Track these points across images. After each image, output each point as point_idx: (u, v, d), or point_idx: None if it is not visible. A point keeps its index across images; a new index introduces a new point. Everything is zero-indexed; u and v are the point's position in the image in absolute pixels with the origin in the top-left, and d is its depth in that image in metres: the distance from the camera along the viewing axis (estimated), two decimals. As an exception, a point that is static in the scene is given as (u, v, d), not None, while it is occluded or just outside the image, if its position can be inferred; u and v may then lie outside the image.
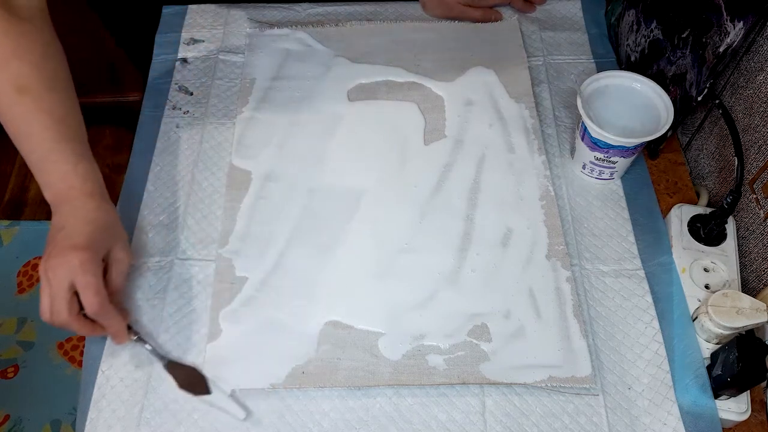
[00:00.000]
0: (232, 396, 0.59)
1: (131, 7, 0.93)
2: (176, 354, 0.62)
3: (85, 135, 0.63)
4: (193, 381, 0.59)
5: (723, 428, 0.59)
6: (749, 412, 0.58)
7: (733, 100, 0.68)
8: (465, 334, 0.62)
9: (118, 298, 0.61)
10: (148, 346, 0.60)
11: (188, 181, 0.72)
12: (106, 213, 0.60)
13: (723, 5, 0.62)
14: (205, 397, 0.58)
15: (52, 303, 0.56)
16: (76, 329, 0.57)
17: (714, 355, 0.60)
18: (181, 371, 0.60)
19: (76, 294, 0.56)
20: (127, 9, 0.94)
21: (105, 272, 0.59)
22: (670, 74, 0.72)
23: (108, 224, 0.60)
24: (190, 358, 0.61)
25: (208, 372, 0.60)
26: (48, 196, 0.60)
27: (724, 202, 0.63)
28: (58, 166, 0.59)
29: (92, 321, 0.58)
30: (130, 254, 0.62)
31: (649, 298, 0.64)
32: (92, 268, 0.56)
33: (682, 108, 0.69)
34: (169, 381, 0.60)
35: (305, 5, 0.88)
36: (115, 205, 0.71)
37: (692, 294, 0.64)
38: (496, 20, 0.86)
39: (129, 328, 0.60)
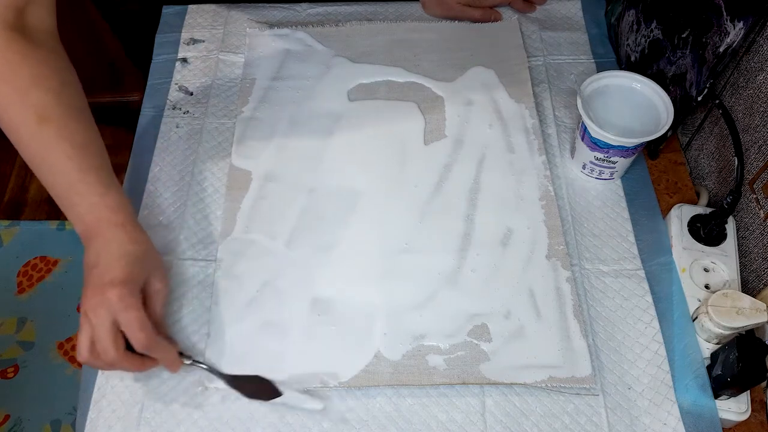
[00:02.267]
0: (305, 392, 0.58)
1: (133, 7, 0.93)
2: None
3: (109, 162, 0.60)
4: (260, 388, 0.58)
5: (723, 428, 0.59)
6: (749, 412, 0.58)
7: (733, 100, 0.68)
8: (465, 334, 0.62)
9: (162, 328, 0.59)
10: (204, 366, 0.59)
11: (188, 181, 0.72)
12: (139, 244, 0.58)
13: (723, 5, 0.62)
14: (278, 399, 0.58)
15: (95, 344, 0.53)
16: (127, 367, 0.55)
17: (714, 355, 0.60)
18: (245, 382, 0.58)
19: (120, 331, 0.54)
20: (129, 8, 0.94)
21: (144, 304, 0.56)
22: (670, 74, 0.72)
23: (143, 255, 0.57)
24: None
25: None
26: (78, 229, 0.58)
27: (724, 202, 0.63)
28: (85, 197, 0.57)
29: (141, 355, 0.56)
30: (167, 283, 0.60)
31: (649, 298, 0.64)
32: (133, 302, 0.54)
33: (682, 108, 0.69)
34: (169, 381, 0.60)
35: (305, 5, 0.88)
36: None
37: (692, 294, 0.64)
38: (495, 20, 0.86)
39: (180, 353, 0.58)
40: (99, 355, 0.54)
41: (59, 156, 0.57)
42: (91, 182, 0.57)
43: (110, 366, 0.55)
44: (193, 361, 0.59)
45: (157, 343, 0.55)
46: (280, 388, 0.58)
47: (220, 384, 0.59)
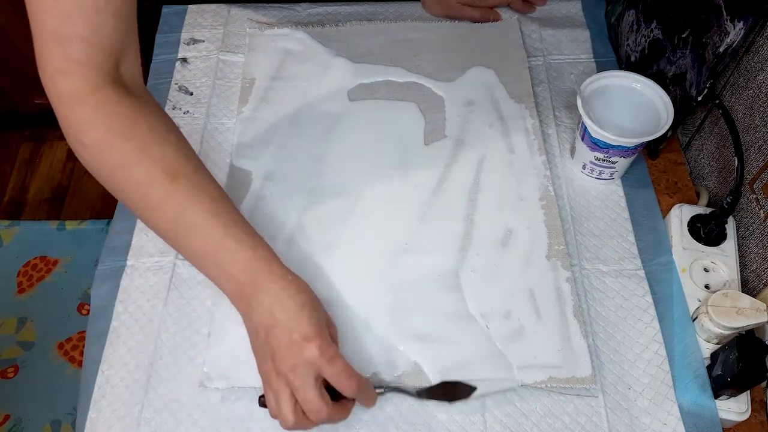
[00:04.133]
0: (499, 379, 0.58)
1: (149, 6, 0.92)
2: (176, 354, 0.62)
3: (240, 212, 0.56)
4: (454, 391, 0.57)
5: (723, 428, 0.59)
6: (749, 412, 0.58)
7: (733, 100, 0.68)
8: (465, 334, 0.61)
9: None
10: (393, 388, 0.57)
11: (188, 181, 0.72)
12: (307, 291, 0.53)
13: (723, 5, 0.62)
14: (478, 392, 0.57)
15: (302, 405, 0.50)
16: (336, 419, 0.52)
17: (714, 355, 0.60)
18: (436, 391, 0.57)
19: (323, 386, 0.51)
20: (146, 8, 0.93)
21: None
22: (670, 74, 0.72)
23: (315, 302, 0.53)
24: (190, 358, 0.61)
25: (209, 371, 0.60)
26: (230, 289, 0.53)
27: (724, 202, 0.63)
28: (237, 254, 0.52)
29: (342, 401, 0.53)
30: (335, 326, 0.56)
31: (649, 298, 0.64)
32: (333, 351, 0.50)
33: (682, 108, 0.69)
34: (169, 381, 0.60)
35: (305, 5, 0.88)
36: (116, 204, 0.71)
37: (692, 294, 0.64)
38: (494, 20, 0.86)
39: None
40: (308, 416, 0.50)
41: (199, 213, 0.52)
42: (240, 236, 0.53)
43: (321, 423, 0.51)
44: (384, 389, 0.57)
45: (365, 384, 0.52)
46: (472, 383, 0.57)
47: (221, 384, 0.59)
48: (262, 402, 0.54)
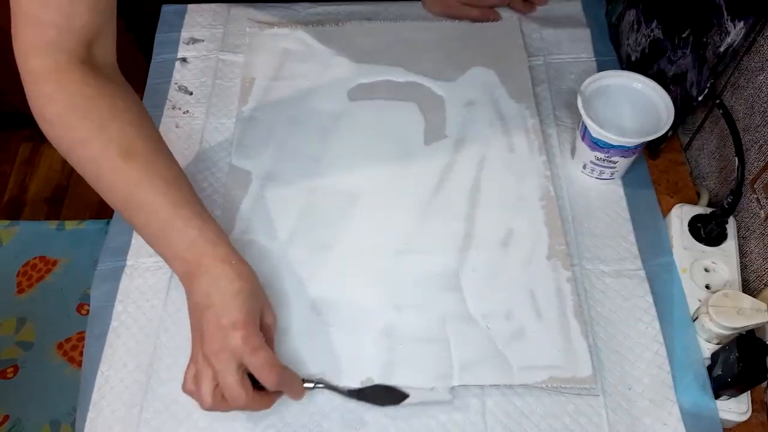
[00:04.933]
0: (432, 390, 0.58)
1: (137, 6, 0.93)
2: (175, 354, 0.61)
3: (197, 195, 0.58)
4: (386, 395, 0.58)
5: (723, 428, 0.58)
6: (750, 413, 0.58)
7: (733, 99, 0.68)
8: (465, 334, 0.61)
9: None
10: (320, 386, 0.58)
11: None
12: (248, 279, 0.54)
13: (723, 5, 0.62)
14: (409, 400, 0.57)
15: (223, 389, 0.51)
16: (255, 408, 0.53)
17: (714, 356, 0.60)
18: (369, 393, 0.58)
19: (246, 373, 0.52)
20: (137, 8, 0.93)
21: None
22: (671, 74, 0.71)
23: (254, 290, 0.55)
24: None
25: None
26: (177, 268, 0.55)
27: (725, 202, 0.63)
28: (183, 234, 0.54)
29: (266, 391, 0.54)
30: (275, 315, 0.58)
31: (649, 299, 0.64)
32: (259, 342, 0.51)
33: (683, 108, 0.69)
34: (169, 382, 0.60)
35: (305, 5, 0.88)
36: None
37: (693, 294, 0.63)
38: (494, 20, 0.86)
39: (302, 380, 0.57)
40: (227, 401, 0.51)
41: (150, 192, 0.53)
42: (188, 216, 0.54)
43: (238, 409, 0.52)
44: (315, 384, 0.58)
45: (287, 377, 0.53)
46: (405, 390, 0.58)
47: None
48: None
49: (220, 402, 0.52)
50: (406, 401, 0.58)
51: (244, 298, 0.53)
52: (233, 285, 0.53)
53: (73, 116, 0.53)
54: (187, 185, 0.57)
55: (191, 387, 0.52)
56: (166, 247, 0.55)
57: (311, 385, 0.57)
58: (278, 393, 0.55)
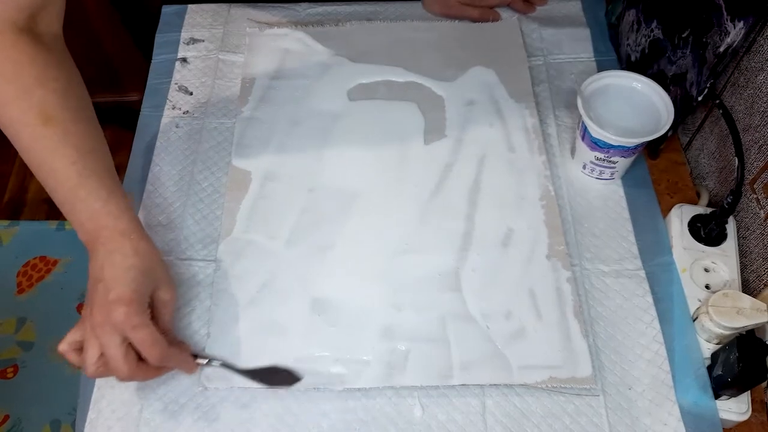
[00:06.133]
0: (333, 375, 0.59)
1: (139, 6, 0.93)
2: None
3: (113, 168, 0.58)
4: (279, 376, 0.59)
5: (723, 428, 0.58)
6: (750, 413, 0.58)
7: (733, 99, 0.68)
8: (465, 334, 0.61)
9: (171, 335, 0.58)
10: (216, 363, 0.59)
11: (188, 181, 0.72)
12: (144, 255, 0.55)
13: (723, 5, 0.62)
14: (303, 382, 0.58)
15: (107, 361, 0.52)
16: (141, 378, 0.55)
17: (714, 356, 0.60)
18: (262, 374, 0.59)
19: (130, 345, 0.53)
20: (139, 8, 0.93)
21: (152, 315, 0.55)
22: (671, 74, 0.71)
23: (148, 267, 0.55)
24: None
25: (209, 371, 0.59)
26: (80, 236, 0.56)
27: (725, 202, 0.63)
28: (87, 204, 0.55)
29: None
30: (174, 292, 0.58)
31: (649, 299, 0.64)
32: (140, 321, 0.52)
33: (683, 108, 0.69)
34: (169, 381, 0.60)
35: (305, 5, 0.88)
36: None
37: (693, 294, 0.63)
38: (494, 20, 0.86)
39: (194, 356, 0.58)
40: (111, 371, 0.53)
41: (61, 159, 0.55)
42: (93, 187, 0.55)
43: (124, 380, 0.54)
44: (208, 360, 0.59)
45: (171, 354, 0.55)
46: (299, 373, 0.59)
47: (221, 384, 0.59)
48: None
49: (103, 372, 0.53)
50: (297, 384, 0.58)
51: (134, 275, 0.54)
52: (126, 261, 0.54)
53: None
54: (102, 158, 0.58)
55: (64, 348, 0.55)
56: (71, 214, 0.56)
57: (204, 361, 0.58)
58: (168, 368, 0.57)
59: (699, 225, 0.67)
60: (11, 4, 0.53)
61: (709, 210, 0.68)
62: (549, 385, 0.59)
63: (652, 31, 0.75)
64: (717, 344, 0.61)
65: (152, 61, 0.83)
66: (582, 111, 0.66)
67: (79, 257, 1.48)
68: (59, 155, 0.55)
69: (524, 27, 0.86)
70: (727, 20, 0.62)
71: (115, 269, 0.54)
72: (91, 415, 0.59)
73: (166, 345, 0.54)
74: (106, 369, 0.53)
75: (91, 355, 0.53)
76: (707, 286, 0.64)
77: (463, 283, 0.64)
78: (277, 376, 0.59)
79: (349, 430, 0.58)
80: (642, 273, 0.66)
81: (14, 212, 1.58)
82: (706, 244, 0.66)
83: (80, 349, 0.55)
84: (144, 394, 0.59)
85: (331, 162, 0.73)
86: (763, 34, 0.62)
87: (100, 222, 0.55)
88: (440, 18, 0.87)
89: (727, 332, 0.59)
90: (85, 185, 0.55)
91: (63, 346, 0.55)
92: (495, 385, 0.59)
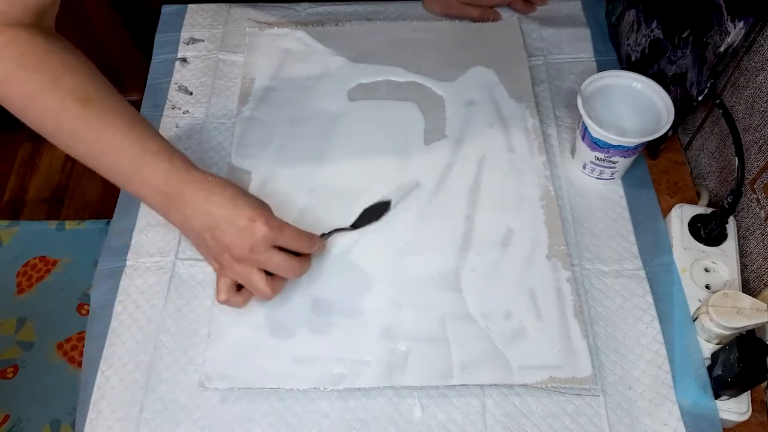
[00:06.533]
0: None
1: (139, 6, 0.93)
2: (175, 354, 0.62)
3: (156, 129, 0.60)
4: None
5: (723, 428, 0.58)
6: (750, 413, 0.58)
7: (733, 99, 0.68)
8: (465, 334, 0.61)
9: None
10: (334, 232, 0.66)
11: (188, 181, 0.72)
12: (230, 183, 0.57)
13: (723, 5, 0.62)
14: (302, 382, 0.59)
15: (275, 272, 0.57)
16: (306, 270, 0.60)
17: (714, 356, 0.60)
18: (364, 218, 0.67)
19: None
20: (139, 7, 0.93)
21: None
22: (671, 74, 0.71)
23: (242, 189, 0.58)
24: (190, 358, 0.61)
25: (209, 371, 0.59)
26: (158, 204, 0.57)
27: (725, 202, 0.63)
28: (155, 168, 0.55)
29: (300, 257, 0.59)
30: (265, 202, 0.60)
31: (649, 299, 0.64)
32: (278, 222, 0.56)
33: (683, 108, 0.69)
34: (169, 381, 0.60)
35: (305, 5, 0.88)
36: (115, 204, 0.71)
37: (693, 294, 0.63)
38: (494, 20, 0.86)
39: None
40: (285, 274, 0.57)
41: (115, 133, 0.55)
42: (156, 151, 0.56)
43: (293, 277, 0.59)
44: (327, 234, 0.65)
45: (315, 238, 0.61)
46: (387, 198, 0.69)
47: (221, 384, 0.59)
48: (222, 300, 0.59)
49: (274, 286, 0.57)
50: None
51: (242, 197, 0.56)
52: (225, 194, 0.55)
53: (25, 72, 0.54)
54: (145, 122, 0.58)
55: (224, 297, 0.57)
56: (141, 185, 0.56)
57: (326, 235, 0.65)
58: (307, 258, 0.61)
59: (699, 225, 0.67)
60: (19, 6, 0.54)
61: (709, 210, 0.68)
62: (549, 385, 0.59)
63: (652, 31, 0.75)
64: (717, 344, 0.61)
65: (152, 60, 0.84)
66: (582, 111, 0.66)
67: (79, 257, 1.48)
68: (110, 130, 0.55)
69: (524, 27, 0.86)
70: (727, 20, 0.62)
71: (223, 206, 0.55)
72: (91, 415, 0.59)
73: (308, 233, 0.59)
74: (276, 282, 0.57)
75: (260, 280, 0.56)
76: (707, 286, 0.64)
77: (463, 283, 0.64)
78: (375, 213, 0.68)
79: (349, 430, 0.58)
80: (642, 273, 0.66)
81: (14, 212, 1.58)
82: (706, 244, 0.66)
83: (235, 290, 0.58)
84: (144, 394, 0.59)
85: (331, 162, 0.73)
86: (763, 34, 0.62)
87: (177, 179, 0.56)
88: (440, 18, 0.87)
89: (727, 332, 0.59)
90: (148, 150, 0.56)
91: (221, 297, 0.58)
92: (495, 385, 0.59)
